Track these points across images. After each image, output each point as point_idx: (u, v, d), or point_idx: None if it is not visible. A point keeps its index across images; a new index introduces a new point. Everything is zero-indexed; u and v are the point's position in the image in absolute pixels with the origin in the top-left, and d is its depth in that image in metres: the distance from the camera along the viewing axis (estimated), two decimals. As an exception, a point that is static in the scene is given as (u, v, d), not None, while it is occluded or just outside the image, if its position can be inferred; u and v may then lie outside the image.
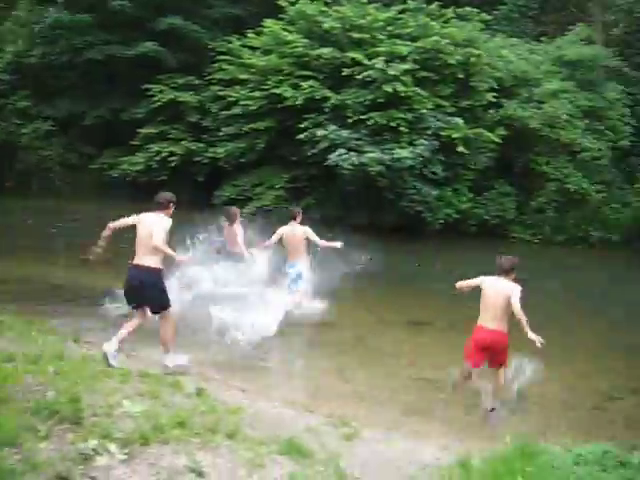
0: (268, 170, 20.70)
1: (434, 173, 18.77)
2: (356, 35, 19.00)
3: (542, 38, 23.72)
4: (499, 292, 7.01)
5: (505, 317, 6.92)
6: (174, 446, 4.37)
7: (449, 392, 7.74)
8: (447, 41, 18.78)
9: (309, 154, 18.94)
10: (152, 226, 7.05)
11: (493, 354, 6.99)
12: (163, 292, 7.15)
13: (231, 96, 20.90)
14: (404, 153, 17.58)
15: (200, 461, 4.27)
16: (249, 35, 21.32)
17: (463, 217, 19.55)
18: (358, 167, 17.72)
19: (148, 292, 7.02)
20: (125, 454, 4.07)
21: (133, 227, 7.21)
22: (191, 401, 5.77)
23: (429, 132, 18.51)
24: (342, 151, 17.91)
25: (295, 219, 10.55)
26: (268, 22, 20.56)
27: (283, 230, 10.46)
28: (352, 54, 18.71)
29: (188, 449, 4.40)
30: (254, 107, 19.94)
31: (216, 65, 22.02)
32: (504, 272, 7.14)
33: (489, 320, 6.98)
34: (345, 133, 18.19)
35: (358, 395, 7.61)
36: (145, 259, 7.03)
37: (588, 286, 14.77)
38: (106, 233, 7.37)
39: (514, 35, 23.82)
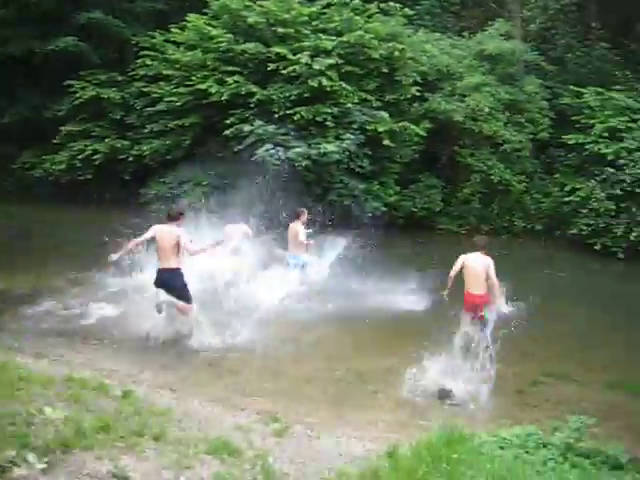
0: (195, 167, 20.46)
1: (361, 167, 18.93)
2: (281, 30, 18.95)
3: (463, 33, 24.15)
4: (479, 265, 9.00)
5: (485, 283, 8.93)
6: (97, 452, 4.32)
7: (379, 385, 7.88)
8: (371, 36, 18.90)
9: (236, 150, 18.80)
10: (172, 236, 8.89)
11: (477, 311, 8.98)
12: (184, 286, 9.05)
13: (155, 92, 20.55)
14: (330, 147, 17.68)
15: (125, 466, 4.23)
16: (173, 30, 21.00)
17: (391, 210, 19.81)
18: (285, 162, 17.73)
19: (172, 287, 8.93)
20: (45, 463, 3.99)
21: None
22: (117, 404, 5.70)
23: (355, 126, 18.65)
24: (269, 146, 17.87)
25: (299, 218, 12.66)
26: (192, 17, 20.29)
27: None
28: (277, 49, 18.66)
29: (112, 454, 4.35)
30: (179, 103, 19.68)
31: (139, 61, 21.60)
32: (481, 248, 9.20)
33: (474, 287, 8.98)
34: (271, 128, 18.15)
35: (289, 391, 7.66)
36: (169, 262, 8.89)
37: (510, 271, 15.20)
38: (129, 247, 9.01)
39: (436, 30, 24.19)
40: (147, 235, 9.02)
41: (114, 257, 9.00)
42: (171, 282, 8.96)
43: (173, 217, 9.14)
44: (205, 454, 4.68)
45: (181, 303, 9.06)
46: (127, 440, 4.60)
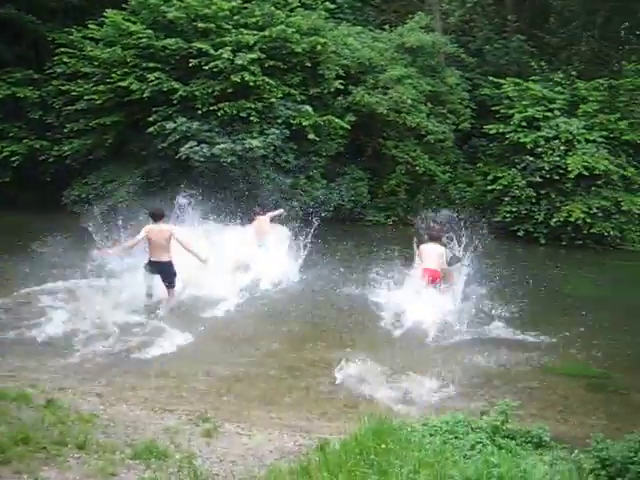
0: (119, 166, 20.03)
1: (287, 161, 18.92)
2: (201, 25, 18.68)
3: (385, 26, 24.34)
4: (434, 251, 11.82)
5: (439, 264, 11.70)
6: (16, 465, 4.18)
7: (310, 380, 7.91)
8: (293, 30, 18.83)
9: (160, 147, 18.51)
10: (164, 233, 10.47)
11: (435, 280, 11.64)
12: (174, 275, 10.70)
13: (75, 91, 19.94)
14: (255, 143, 17.58)
15: (46, 478, 4.12)
16: (90, 26, 20.38)
17: (318, 203, 19.85)
18: (210, 159, 17.56)
19: (165, 276, 10.57)
20: (-42, 481, 3.84)
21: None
22: (39, 414, 5.53)
23: (279, 121, 18.60)
24: (193, 143, 17.66)
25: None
26: (110, 13, 19.77)
27: None
28: (198, 44, 18.39)
29: (32, 466, 4.22)
30: (100, 101, 19.16)
31: (57, 58, 20.94)
32: (435, 239, 12.08)
33: (431, 264, 11.70)
34: (195, 125, 17.92)
35: (220, 390, 7.60)
36: (162, 256, 10.49)
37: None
38: (126, 245, 10.80)
39: (358, 23, 24.29)
40: (140, 236, 10.54)
41: (110, 252, 10.80)
42: (164, 272, 10.62)
43: (159, 216, 10.65)
44: (131, 459, 4.61)
45: (170, 290, 10.79)
46: (49, 451, 4.48)
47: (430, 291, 11.43)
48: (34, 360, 7.99)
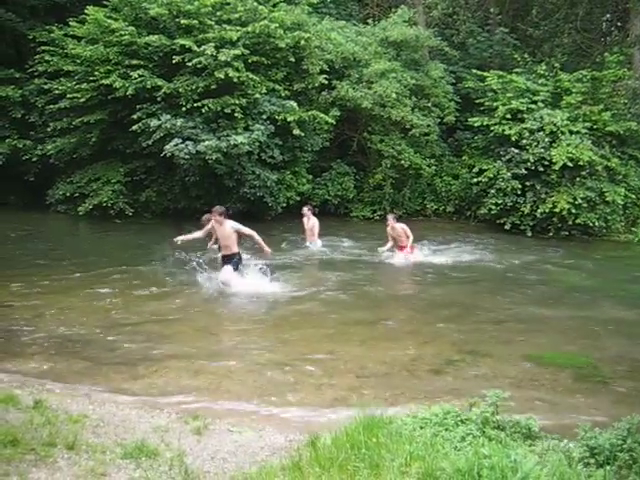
0: (103, 165, 19.98)
1: (272, 157, 18.91)
2: (184, 21, 18.61)
3: (368, 20, 24.39)
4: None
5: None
6: (4, 467, 4.15)
7: (300, 374, 7.90)
8: (276, 25, 18.79)
9: (145, 145, 18.45)
10: (228, 228, 11.31)
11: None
12: (240, 262, 11.60)
13: (57, 89, 19.85)
14: (240, 139, 17.56)
15: (35, 479, 4.10)
16: (72, 24, 20.29)
17: (305, 199, 19.87)
18: (195, 156, 17.53)
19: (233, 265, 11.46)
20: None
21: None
22: (27, 415, 5.48)
23: (264, 116, 18.59)
24: (178, 140, 17.62)
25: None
26: (91, 9, 19.65)
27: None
28: (181, 41, 18.32)
29: (21, 468, 4.19)
30: (83, 99, 19.07)
31: (38, 57, 20.81)
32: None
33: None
34: (179, 122, 17.87)
35: (210, 387, 7.56)
36: (230, 249, 11.43)
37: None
38: (193, 236, 11.82)
39: (341, 18, 24.34)
40: (206, 228, 11.77)
41: (179, 239, 11.51)
42: (232, 261, 11.47)
43: (221, 213, 11.37)
44: (121, 459, 4.58)
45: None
46: (38, 452, 4.44)
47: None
48: (19, 360, 7.92)
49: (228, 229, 11.36)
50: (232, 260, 11.48)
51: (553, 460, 4.74)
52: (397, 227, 15.20)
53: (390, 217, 15.54)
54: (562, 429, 6.13)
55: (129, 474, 4.35)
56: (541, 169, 19.22)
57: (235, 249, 11.52)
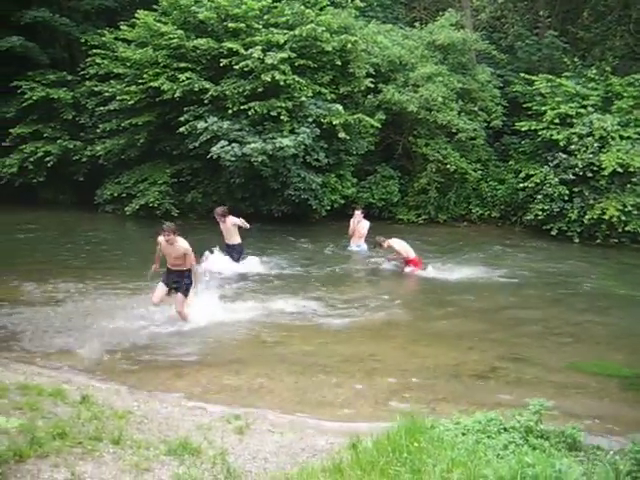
0: (150, 166, 20.28)
1: (317, 160, 18.93)
2: (232, 25, 18.78)
3: (415, 24, 24.27)
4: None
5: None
6: (53, 459, 4.24)
7: (342, 377, 7.90)
8: (323, 28, 18.82)
9: (191, 147, 18.68)
10: (230, 222, 13.20)
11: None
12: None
13: (107, 91, 20.27)
14: (286, 142, 17.61)
15: (82, 472, 4.17)
16: (122, 27, 20.70)
17: (349, 202, 19.86)
18: (241, 158, 17.65)
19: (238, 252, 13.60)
20: (-2, 474, 3.91)
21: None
22: (75, 409, 5.59)
23: (310, 119, 18.62)
24: (224, 143, 17.76)
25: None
26: (141, 13, 20.00)
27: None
28: (229, 44, 18.49)
29: (69, 461, 4.28)
30: (132, 102, 19.40)
31: (89, 60, 21.28)
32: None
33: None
34: (226, 124, 18.02)
35: (251, 387, 7.61)
36: (234, 239, 13.39)
37: (471, 259, 15.42)
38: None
39: (388, 21, 24.28)
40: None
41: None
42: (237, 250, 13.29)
43: (224, 214, 13.21)
44: (165, 455, 4.64)
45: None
46: (85, 446, 4.53)
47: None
48: (67, 356, 8.08)
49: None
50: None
51: (599, 472, 4.65)
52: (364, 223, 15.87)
53: (357, 212, 16.03)
54: (608, 441, 6.01)
55: (173, 470, 4.40)
56: (590, 175, 18.85)
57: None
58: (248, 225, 13.59)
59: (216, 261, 13.16)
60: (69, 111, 21.34)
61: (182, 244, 9.88)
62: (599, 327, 10.73)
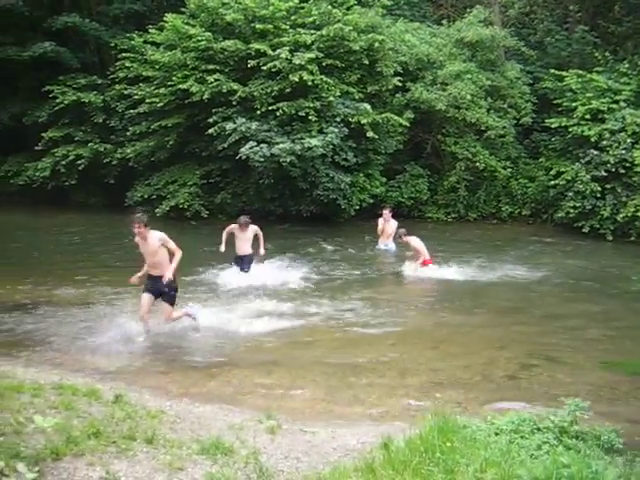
0: (180, 167, 20.45)
1: (346, 160, 18.92)
2: (259, 26, 18.87)
3: (442, 21, 24.16)
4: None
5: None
6: (89, 458, 4.29)
7: (372, 376, 7.88)
8: (350, 28, 18.83)
9: (220, 148, 18.79)
10: (248, 232, 12.72)
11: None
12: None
13: (137, 94, 20.48)
14: (314, 142, 17.64)
15: (117, 471, 4.21)
16: (151, 31, 20.91)
17: (378, 201, 19.82)
18: (269, 159, 17.70)
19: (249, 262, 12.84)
20: (36, 472, 3.96)
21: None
22: (108, 409, 5.64)
23: (338, 119, 18.63)
24: (253, 143, 17.83)
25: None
26: (169, 17, 20.18)
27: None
28: (256, 45, 18.58)
29: (104, 459, 4.32)
30: (161, 104, 19.59)
31: (119, 63, 21.52)
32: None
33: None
34: (254, 125, 18.10)
35: (282, 387, 7.62)
36: (248, 249, 12.77)
37: (501, 257, 15.28)
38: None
39: (415, 19, 24.20)
40: (229, 229, 12.78)
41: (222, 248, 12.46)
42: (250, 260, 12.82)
43: (247, 223, 12.76)
44: (197, 455, 4.66)
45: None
46: (119, 445, 4.57)
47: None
48: (101, 356, 8.16)
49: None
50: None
51: (637, 473, 4.57)
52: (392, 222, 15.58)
53: (386, 211, 15.81)
54: (643, 443, 5.91)
55: (205, 469, 4.42)
56: (622, 171, 18.59)
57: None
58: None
59: (255, 273, 12.82)
60: (99, 114, 21.61)
61: (155, 236, 8.92)
62: (632, 326, 10.56)
